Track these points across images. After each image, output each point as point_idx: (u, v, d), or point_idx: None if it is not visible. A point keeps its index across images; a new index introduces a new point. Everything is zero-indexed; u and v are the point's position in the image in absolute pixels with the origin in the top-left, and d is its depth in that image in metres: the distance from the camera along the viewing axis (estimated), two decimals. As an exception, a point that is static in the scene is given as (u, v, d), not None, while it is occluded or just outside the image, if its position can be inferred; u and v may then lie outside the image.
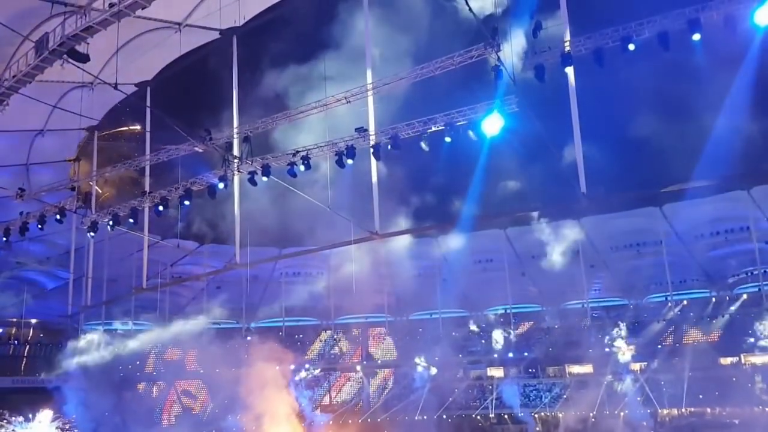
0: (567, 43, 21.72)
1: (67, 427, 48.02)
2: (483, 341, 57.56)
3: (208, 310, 50.72)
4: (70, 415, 47.29)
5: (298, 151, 26.15)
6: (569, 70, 22.41)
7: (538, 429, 50.70)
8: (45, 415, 47.63)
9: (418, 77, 23.51)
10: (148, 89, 31.88)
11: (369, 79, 25.50)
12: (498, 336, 56.84)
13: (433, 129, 24.04)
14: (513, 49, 22.24)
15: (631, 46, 20.87)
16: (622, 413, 48.34)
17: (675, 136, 41.35)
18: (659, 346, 49.80)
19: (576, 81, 22.52)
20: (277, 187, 30.61)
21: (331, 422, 49.95)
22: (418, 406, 53.62)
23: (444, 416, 52.94)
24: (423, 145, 24.46)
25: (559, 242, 50.66)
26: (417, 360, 55.81)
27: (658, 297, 53.90)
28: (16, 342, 51.44)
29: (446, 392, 55.18)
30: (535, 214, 47.25)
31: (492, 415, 53.66)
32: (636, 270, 51.41)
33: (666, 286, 51.01)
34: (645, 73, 35.53)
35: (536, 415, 51.22)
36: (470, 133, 23.07)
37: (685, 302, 52.83)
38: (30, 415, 46.98)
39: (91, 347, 49.37)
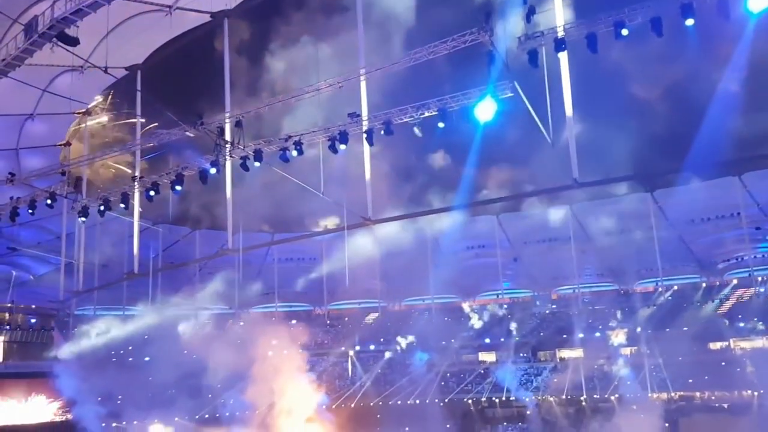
0: (560, 29, 21.63)
1: (60, 411, 48.24)
2: (475, 326, 57.86)
3: (200, 296, 50.68)
4: (64, 398, 47.51)
5: (290, 136, 26.04)
6: (562, 56, 22.36)
7: (540, 411, 51.16)
8: (39, 399, 47.86)
9: (411, 62, 23.40)
10: (139, 73, 31.58)
11: (361, 64, 25.40)
12: (489, 321, 57.20)
13: (426, 114, 23.98)
14: (506, 33, 22.15)
15: (625, 32, 20.80)
16: (613, 397, 48.84)
17: (668, 122, 41.45)
18: (649, 331, 50.16)
19: (570, 66, 22.47)
20: (271, 172, 30.51)
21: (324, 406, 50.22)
22: (410, 390, 53.98)
23: (436, 400, 53.29)
24: (416, 130, 24.42)
25: (550, 228, 50.91)
26: (400, 339, 56.15)
27: (648, 282, 54.28)
28: (8, 327, 51.30)
29: (439, 377, 55.58)
30: (527, 200, 47.42)
31: (484, 399, 54.11)
32: (627, 255, 51.67)
33: (656, 271, 51.33)
34: (638, 58, 35.51)
35: (537, 398, 51.65)
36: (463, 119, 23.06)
37: (675, 287, 53.23)
38: (24, 399, 47.19)
39: (83, 332, 49.36)
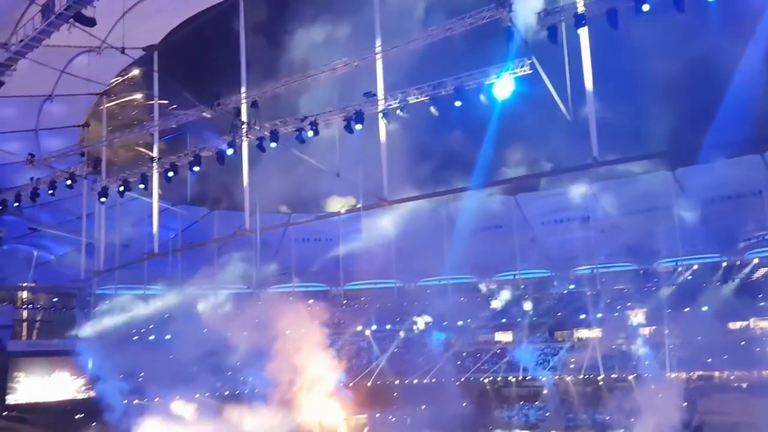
0: (580, 4, 21.25)
1: (83, 388, 49.19)
2: (491, 306, 57.90)
3: (219, 275, 51.15)
4: (87, 375, 48.42)
5: (306, 117, 25.98)
6: (582, 31, 21.98)
7: (557, 391, 51.35)
8: (61, 376, 48.83)
9: (428, 40, 23.15)
10: (155, 53, 31.57)
11: (378, 43, 25.19)
12: (506, 302, 57.17)
13: (443, 93, 23.78)
14: (527, 8, 21.81)
15: (646, 7, 20.39)
16: (630, 376, 48.78)
17: (689, 99, 40.75)
18: (668, 311, 49.86)
19: (591, 41, 22.09)
20: (288, 153, 30.52)
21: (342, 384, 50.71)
22: (426, 370, 54.32)
23: (452, 379, 53.61)
24: (432, 109, 24.24)
25: (569, 207, 50.55)
26: (417, 319, 56.36)
27: (668, 262, 53.82)
28: (29, 306, 52.20)
29: (455, 356, 55.85)
30: (545, 179, 47.03)
31: (500, 379, 54.33)
32: (646, 235, 51.22)
33: (676, 250, 50.89)
34: (659, 34, 34.85)
35: (554, 377, 51.77)
36: (481, 96, 22.82)
37: (695, 267, 52.73)
38: (47, 377, 48.16)
39: (105, 311, 50.10)
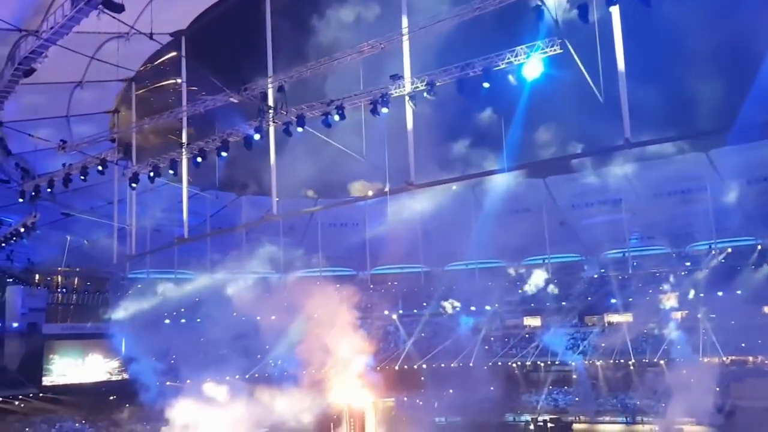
0: (612, -19, 20.67)
1: (117, 370, 50.21)
2: (520, 291, 57.54)
3: (247, 260, 51.63)
4: (120, 358, 49.39)
5: (332, 101, 25.81)
6: (614, 9, 21.42)
7: (586, 375, 51.07)
8: (95, 358, 49.89)
9: (456, 19, 22.75)
10: (183, 39, 31.65)
11: (404, 24, 24.86)
12: (535, 286, 56.73)
13: (471, 74, 23.40)
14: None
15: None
16: (662, 361, 48.20)
17: (723, 80, 39.76)
18: (701, 295, 49.05)
19: (622, 20, 21.52)
20: (315, 138, 30.47)
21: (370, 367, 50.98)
22: (454, 354, 54.28)
23: (480, 364, 53.50)
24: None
25: (600, 190, 49.83)
26: (445, 303, 56.28)
27: (701, 245, 52.85)
28: (63, 290, 53.30)
29: (483, 341, 55.70)
30: (576, 161, 46.36)
31: (529, 363, 54.09)
32: (679, 217, 50.35)
33: (710, 233, 49.93)
34: (693, 12, 33.99)
35: (584, 362, 51.41)
36: (510, 77, 22.43)
37: (729, 250, 51.70)
38: (81, 359, 49.23)
39: (137, 294, 50.95)
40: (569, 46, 21.25)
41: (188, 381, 43.12)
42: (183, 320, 53.32)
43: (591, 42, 22.19)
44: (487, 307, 56.92)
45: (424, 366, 54.63)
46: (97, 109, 34.99)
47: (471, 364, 53.15)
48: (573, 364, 52.48)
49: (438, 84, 24.05)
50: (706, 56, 39.47)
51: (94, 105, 34.71)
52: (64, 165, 30.77)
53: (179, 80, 32.25)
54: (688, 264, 53.07)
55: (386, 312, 59.40)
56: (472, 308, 56.52)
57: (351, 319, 41.42)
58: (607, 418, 48.84)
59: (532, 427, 47.40)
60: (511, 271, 59.05)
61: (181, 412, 38.75)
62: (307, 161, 40.74)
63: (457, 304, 57.28)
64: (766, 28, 33.73)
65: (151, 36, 23.89)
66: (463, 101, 24.81)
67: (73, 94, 33.49)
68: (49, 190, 31.09)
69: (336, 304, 41.39)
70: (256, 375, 49.21)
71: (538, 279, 56.32)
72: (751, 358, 46.20)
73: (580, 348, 53.10)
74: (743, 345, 45.92)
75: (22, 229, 35.21)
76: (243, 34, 32.50)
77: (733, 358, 45.97)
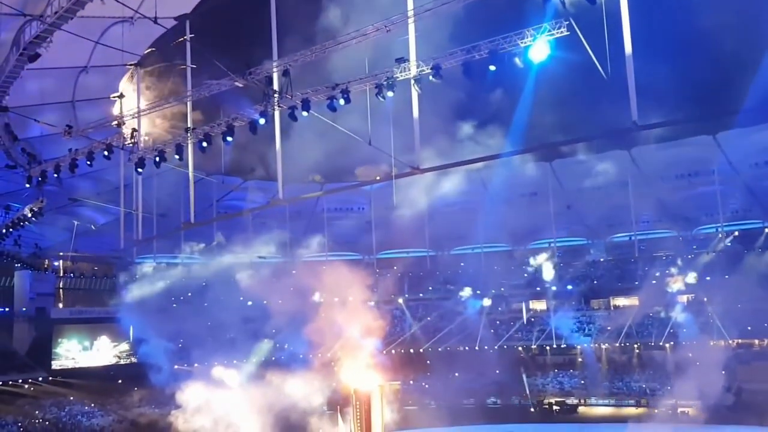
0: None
1: (125, 354, 50.68)
2: (526, 275, 57.54)
3: (253, 244, 51.73)
4: (127, 341, 49.81)
5: (337, 85, 25.67)
6: (621, -9, 21.18)
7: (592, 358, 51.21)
8: (103, 342, 50.33)
9: (462, 0, 22.51)
10: (188, 23, 31.48)
11: (410, 6, 24.64)
12: (541, 269, 56.69)
13: (477, 57, 23.21)
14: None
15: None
16: (668, 344, 48.24)
17: (732, 61, 39.34)
18: (708, 278, 48.96)
19: (629, 2, 21.28)
20: (320, 122, 30.34)
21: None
22: (460, 337, 54.45)
23: (486, 347, 53.69)
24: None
25: (606, 174, 49.58)
26: (461, 293, 56.35)
27: (708, 228, 52.66)
28: (71, 275, 53.63)
29: (489, 324, 55.82)
30: (582, 145, 46.07)
31: (534, 346, 54.23)
32: (686, 200, 50.12)
33: (717, 217, 49.73)
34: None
35: (589, 345, 51.49)
36: (516, 60, 22.24)
37: (736, 233, 51.52)
38: (89, 343, 49.67)
39: (144, 279, 51.21)
40: (576, 28, 21.02)
41: (196, 365, 43.45)
42: (190, 305, 53.60)
43: (598, 24, 21.97)
44: (493, 291, 56.97)
45: (430, 349, 54.83)
46: (103, 94, 34.89)
47: (477, 348, 53.34)
48: (579, 347, 52.59)
49: (444, 67, 23.90)
50: (714, 38, 39.08)
51: (99, 90, 34.64)
52: (70, 150, 30.76)
53: (184, 64, 32.10)
54: (694, 247, 52.93)
55: (392, 296, 59.52)
56: (478, 291, 56.55)
57: (360, 302, 41.57)
58: (613, 401, 49.02)
59: (536, 409, 47.67)
60: (517, 254, 59.00)
61: (190, 395, 39.08)
62: (314, 146, 40.61)
63: (462, 287, 57.30)
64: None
65: (155, 20, 23.72)
66: (469, 84, 24.58)
67: (78, 79, 33.42)
68: (55, 175, 31.12)
69: (344, 287, 41.52)
70: (263, 359, 49.47)
71: (544, 262, 56.23)
72: (757, 342, 46.19)
73: (586, 331, 53.18)
74: (749, 328, 45.89)
75: (30, 214, 35.35)
76: (248, 17, 32.28)
77: (740, 341, 45.96)
